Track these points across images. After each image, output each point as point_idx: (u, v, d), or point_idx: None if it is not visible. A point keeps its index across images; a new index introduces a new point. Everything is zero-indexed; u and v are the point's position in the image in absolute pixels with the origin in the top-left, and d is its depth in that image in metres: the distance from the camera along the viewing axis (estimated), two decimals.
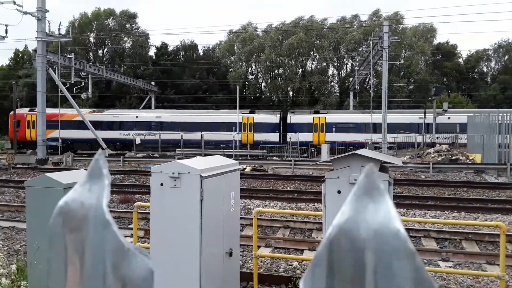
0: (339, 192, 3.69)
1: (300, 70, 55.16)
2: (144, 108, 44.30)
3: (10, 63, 56.36)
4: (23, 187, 13.34)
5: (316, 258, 0.51)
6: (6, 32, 25.36)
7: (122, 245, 0.35)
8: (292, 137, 31.65)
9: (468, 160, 22.20)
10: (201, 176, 3.85)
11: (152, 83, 44.72)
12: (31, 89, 43.22)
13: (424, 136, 30.96)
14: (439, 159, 22.59)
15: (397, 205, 10.66)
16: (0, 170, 20.39)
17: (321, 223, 8.59)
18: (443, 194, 13.77)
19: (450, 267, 6.66)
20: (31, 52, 27.32)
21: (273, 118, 33.51)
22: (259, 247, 7.22)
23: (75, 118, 31.60)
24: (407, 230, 8.43)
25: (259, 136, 32.75)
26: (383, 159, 3.90)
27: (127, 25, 55.59)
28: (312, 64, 55.81)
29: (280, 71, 54.52)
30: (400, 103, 48.24)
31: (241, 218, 8.29)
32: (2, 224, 9.31)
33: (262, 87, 57.47)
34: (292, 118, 33.64)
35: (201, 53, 59.35)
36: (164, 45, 56.42)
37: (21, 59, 54.24)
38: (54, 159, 24.81)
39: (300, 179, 17.42)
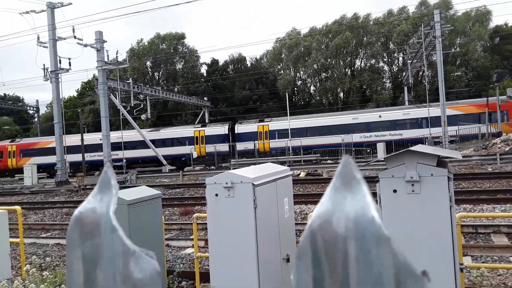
0: (394, 191, 3.61)
1: (349, 70, 54.13)
2: (199, 123, 45.79)
3: (77, 93, 60.90)
4: None
5: (300, 251, 0.53)
6: (70, 64, 27.58)
7: (128, 248, 0.42)
8: (239, 146, 33.18)
9: None
10: (253, 184, 3.97)
11: (205, 98, 46.19)
12: (96, 115, 46.41)
13: (489, 126, 28.97)
14: (507, 149, 21.06)
15: (462, 201, 10.13)
16: (72, 192, 22.03)
17: None
18: None
19: None
20: (95, 80, 29.44)
21: (222, 129, 35.06)
22: None
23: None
24: (475, 226, 7.99)
25: (211, 148, 34.04)
26: (440, 153, 3.78)
27: (178, 46, 57.98)
28: (361, 62, 54.57)
29: (329, 73, 53.87)
30: (460, 93, 45.65)
31: (297, 223, 8.31)
32: None
33: (311, 91, 57.08)
34: (239, 129, 34.88)
35: (249, 65, 60.34)
36: (214, 61, 58.18)
37: (88, 88, 58.37)
38: (119, 178, 26.39)
39: None
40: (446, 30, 30.08)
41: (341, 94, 54.71)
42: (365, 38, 51.69)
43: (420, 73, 45.93)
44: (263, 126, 34.14)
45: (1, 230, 6.07)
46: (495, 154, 19.73)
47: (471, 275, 5.62)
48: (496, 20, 53.38)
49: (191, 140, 34.80)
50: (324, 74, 54.71)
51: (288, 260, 4.46)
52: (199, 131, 35.11)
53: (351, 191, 0.54)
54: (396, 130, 30.48)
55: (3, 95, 62.19)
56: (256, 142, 33.26)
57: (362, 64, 54.38)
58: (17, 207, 6.88)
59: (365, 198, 0.53)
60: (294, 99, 54.80)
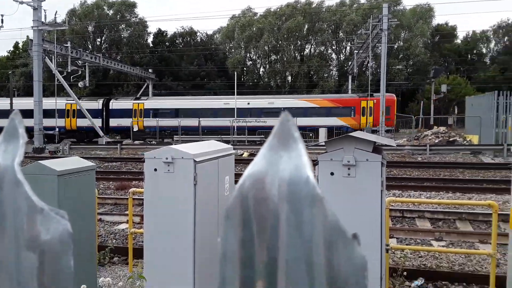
0: (332, 174, 3.72)
1: (298, 55, 54.84)
2: (142, 95, 44.19)
3: (9, 54, 55.99)
4: None
5: (228, 210, 0.50)
6: (2, 22, 25.20)
7: (35, 205, 0.36)
8: (113, 122, 33.01)
9: (465, 142, 22.29)
10: (194, 160, 3.87)
11: (150, 70, 44.48)
12: (28, 78, 43.06)
13: (422, 118, 30.97)
14: (437, 141, 22.67)
15: (392, 187, 10.77)
16: None
17: None
18: (439, 175, 13.88)
19: (443, 246, 6.78)
20: (29, 41, 27.11)
21: (96, 104, 34.27)
22: None
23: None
24: (402, 211, 8.54)
25: (83, 122, 32.85)
26: (376, 140, 3.92)
27: (125, 14, 55.02)
28: (310, 48, 55.46)
29: (279, 56, 54.22)
30: (399, 86, 48.10)
31: None
32: None
33: (261, 72, 57.23)
34: (114, 105, 34.42)
35: (199, 40, 58.91)
36: (162, 33, 55.96)
37: (21, 49, 53.82)
38: (51, 147, 24.88)
39: None
40: (392, 24, 31.31)
41: (289, 78, 55.43)
42: (316, 24, 52.46)
43: (365, 63, 47.67)
44: (138, 104, 34.02)
45: None
46: (425, 145, 21.15)
47: (395, 256, 6.01)
48: (438, 19, 56.55)
49: (62, 113, 32.99)
50: (274, 56, 54.98)
51: None
52: (71, 104, 33.45)
53: (287, 150, 0.51)
54: (261, 117, 31.74)
55: None
56: (130, 119, 33.11)
57: (312, 50, 55.31)
58: None
59: (301, 158, 0.51)
60: (243, 79, 54.61)
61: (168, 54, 53.43)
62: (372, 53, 35.90)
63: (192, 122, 30.78)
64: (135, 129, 32.56)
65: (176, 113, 32.50)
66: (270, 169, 0.50)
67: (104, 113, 34.28)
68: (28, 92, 37.85)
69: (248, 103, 32.39)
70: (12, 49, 56.49)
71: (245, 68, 55.56)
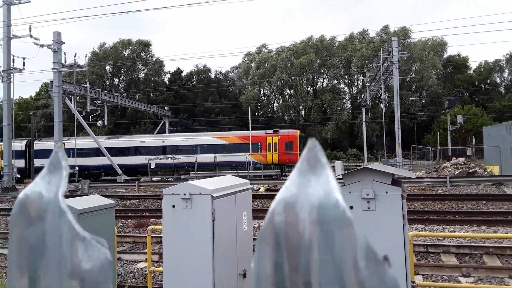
0: (351, 207, 3.65)
1: (311, 89, 55.48)
2: (158, 132, 44.97)
3: (35, 95, 58.06)
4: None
5: (262, 234, 0.51)
6: (24, 64, 26.30)
7: (78, 233, 0.37)
8: (37, 162, 32.51)
9: (486, 173, 21.76)
10: (212, 196, 3.86)
11: (166, 108, 45.44)
12: (48, 119, 44.40)
13: (440, 150, 30.55)
14: (456, 172, 22.20)
15: (414, 221, 10.48)
16: None
17: None
18: (461, 208, 13.48)
19: (471, 282, 6.48)
20: (50, 82, 28.15)
21: (19, 145, 34.84)
22: None
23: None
24: (426, 246, 8.26)
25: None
26: (395, 172, 3.87)
27: (141, 53, 57.03)
28: (323, 82, 56.14)
29: (292, 91, 54.95)
30: (414, 117, 47.87)
31: (255, 239, 8.23)
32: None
33: (274, 107, 57.85)
34: (37, 145, 34.90)
35: (213, 77, 60.35)
36: (178, 71, 57.63)
37: (45, 91, 55.90)
38: (70, 186, 25.20)
39: None
40: (403, 56, 31.65)
41: (303, 112, 55.84)
42: (328, 59, 53.34)
43: (378, 95, 47.86)
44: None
45: None
46: (445, 177, 20.71)
47: None
48: (450, 50, 56.90)
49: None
50: (287, 91, 55.74)
51: (244, 275, 4.36)
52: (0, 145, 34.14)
53: (316, 175, 0.53)
54: (177, 154, 32.58)
55: None
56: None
57: (324, 84, 55.94)
58: None
59: (329, 182, 0.52)
60: (257, 114, 55.24)
61: (183, 92, 54.70)
62: (384, 85, 36.11)
63: (107, 161, 30.84)
64: None
65: (96, 152, 32.71)
66: (300, 193, 0.52)
67: (27, 153, 35.14)
68: (49, 133, 38.90)
69: (163, 141, 33.48)
70: (38, 89, 58.66)
71: (259, 104, 56.30)
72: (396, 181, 3.92)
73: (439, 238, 8.69)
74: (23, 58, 26.20)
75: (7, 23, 25.72)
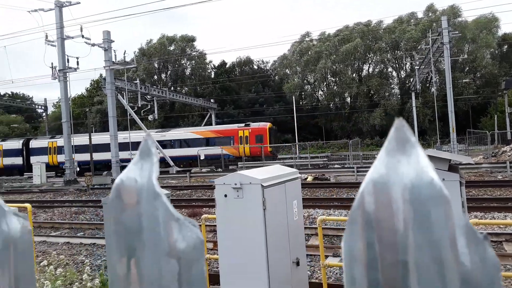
0: None
1: (356, 75, 54.06)
2: (206, 125, 46.01)
3: (86, 93, 61.31)
4: (101, 206, 14.36)
5: (352, 215, 0.52)
6: (78, 63, 27.75)
7: (172, 214, 0.40)
8: (33, 159, 35.32)
9: None
10: (262, 185, 3.90)
11: (212, 100, 46.26)
12: (103, 114, 46.70)
13: (498, 134, 28.77)
14: None
15: (473, 208, 10.00)
16: (80, 192, 22.11)
17: None
18: None
19: None
20: (102, 80, 29.58)
21: (17, 144, 38.13)
22: (326, 256, 7.12)
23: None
24: (487, 234, 7.85)
25: (7, 160, 37.87)
26: (451, 158, 3.72)
27: (186, 48, 58.26)
28: (369, 67, 54.49)
29: (337, 78, 53.85)
30: (468, 100, 45.33)
31: (306, 227, 8.24)
32: (85, 242, 9.98)
33: (319, 95, 57.05)
34: (33, 144, 37.94)
35: (256, 67, 60.49)
36: (222, 64, 58.38)
37: (96, 87, 58.81)
38: None
39: None
40: (454, 36, 29.91)
41: (349, 99, 54.63)
42: (375, 44, 51.61)
43: (428, 78, 45.74)
44: (52, 142, 37.49)
45: None
46: (505, 162, 19.50)
47: None
48: (504, 28, 53.03)
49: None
50: (332, 78, 54.69)
51: (298, 263, 4.38)
52: (1, 145, 38.60)
53: (406, 154, 0.52)
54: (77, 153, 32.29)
55: (11, 93, 62.79)
56: (47, 156, 36.81)
57: (370, 70, 54.28)
58: (27, 205, 6.87)
59: (421, 161, 0.51)
60: (301, 103, 54.80)
61: (228, 84, 55.35)
62: (434, 68, 34.40)
63: (99, 156, 32.71)
64: (50, 164, 36.28)
65: (95, 148, 33.31)
66: (391, 173, 0.51)
67: (24, 152, 38.26)
68: (104, 127, 40.96)
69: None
70: (88, 86, 61.82)
71: (303, 93, 55.75)
72: (453, 167, 3.76)
73: (501, 226, 8.24)
74: (77, 58, 27.62)
75: (60, 25, 27.13)
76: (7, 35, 46.86)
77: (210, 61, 59.36)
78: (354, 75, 53.84)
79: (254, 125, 33.93)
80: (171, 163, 31.37)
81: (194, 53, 58.50)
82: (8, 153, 38.39)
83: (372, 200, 0.50)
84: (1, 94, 57.69)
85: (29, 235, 0.48)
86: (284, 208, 4.38)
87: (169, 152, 32.89)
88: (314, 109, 53.66)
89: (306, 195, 14.58)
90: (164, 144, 33.79)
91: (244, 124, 34.28)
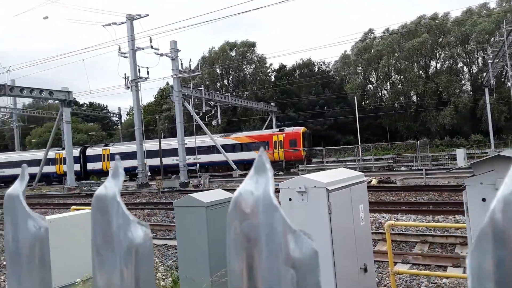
0: (483, 200, 3.38)
1: (423, 72, 51.45)
2: (266, 128, 46.55)
3: (155, 100, 64.80)
4: (171, 208, 15.09)
5: (481, 232, 0.51)
6: (148, 73, 29.46)
7: (289, 226, 0.45)
8: (89, 166, 39.55)
9: None
10: (327, 189, 3.90)
11: (272, 104, 46.68)
12: (171, 121, 49.03)
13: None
14: None
15: None
16: (151, 194, 23.41)
17: (465, 236, 7.88)
18: None
19: None
20: (170, 88, 31.12)
21: (75, 152, 39.98)
22: (395, 263, 6.93)
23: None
24: None
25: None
26: None
27: (247, 53, 59.36)
28: (437, 63, 51.61)
29: (401, 76, 51.66)
30: None
31: (372, 233, 8.07)
32: (156, 242, 10.52)
33: (382, 95, 55.11)
34: (89, 151, 41.67)
35: (316, 69, 59.97)
36: (282, 67, 58.71)
37: (164, 95, 61.95)
38: (194, 182, 27.56)
39: (434, 189, 16.13)
40: None
41: (415, 97, 52.15)
42: (442, 39, 48.83)
43: (503, 73, 42.30)
44: (105, 149, 40.89)
45: (88, 229, 6.66)
46: None
47: None
48: None
49: (53, 161, 41.51)
50: (396, 77, 52.58)
51: (365, 270, 4.32)
52: (59, 153, 41.49)
53: None
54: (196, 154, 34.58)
55: (89, 103, 68.07)
56: (100, 163, 40.28)
57: (438, 66, 51.39)
58: None
59: None
60: (363, 103, 53.31)
61: (288, 87, 55.47)
62: (510, 61, 31.77)
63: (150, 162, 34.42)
64: (103, 170, 39.86)
65: (132, 155, 35.59)
66: None
67: (82, 159, 41.87)
68: (172, 133, 43.01)
69: (186, 143, 35.25)
70: (156, 94, 65.17)
71: (365, 92, 54.22)
72: None
73: None
74: (147, 68, 29.35)
75: (131, 37, 28.99)
76: (85, 49, 51.06)
77: (270, 65, 59.88)
78: (420, 72, 51.29)
79: (288, 129, 35.21)
80: (234, 166, 32.16)
81: (255, 57, 59.41)
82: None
83: (503, 217, 0.50)
84: (81, 104, 62.68)
85: (150, 242, 0.55)
86: (350, 212, 4.35)
87: (211, 158, 35.27)
88: (377, 109, 51.93)
89: (371, 199, 14.21)
90: (203, 150, 35.83)
91: (278, 129, 35.48)
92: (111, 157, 39.67)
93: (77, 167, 40.75)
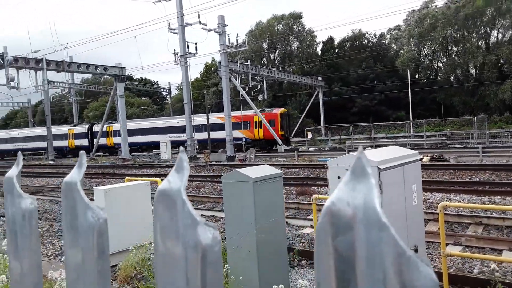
0: None
1: (483, 43, 47.92)
2: (313, 103, 45.98)
3: (201, 76, 65.75)
4: (218, 181, 15.48)
5: None
6: (196, 49, 29.76)
7: (404, 251, 0.36)
8: (96, 141, 41.99)
9: None
10: (378, 168, 3.82)
11: (319, 78, 45.74)
12: (218, 96, 49.65)
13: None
14: None
15: None
16: (200, 167, 24.12)
17: None
18: None
19: None
20: (217, 63, 31.38)
21: (84, 128, 47.09)
22: (446, 244, 6.73)
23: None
24: None
25: (77, 142, 46.87)
26: None
27: (294, 27, 58.13)
28: (498, 33, 47.78)
29: (459, 47, 48.47)
30: None
31: (426, 213, 7.85)
32: (205, 213, 10.91)
33: (437, 68, 52.16)
34: (95, 128, 45.06)
35: (367, 42, 57.65)
36: (330, 40, 56.97)
37: (210, 70, 62.61)
38: (240, 156, 28.00)
39: (491, 168, 15.31)
40: None
41: (473, 71, 48.92)
42: (505, 6, 44.93)
43: None
44: (109, 127, 44.20)
45: (145, 198, 7.01)
46: None
47: None
48: None
49: (66, 136, 47.91)
50: (453, 48, 49.43)
51: (416, 251, 4.27)
52: (72, 128, 48.04)
53: None
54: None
55: (141, 78, 70.26)
56: (105, 138, 44.09)
57: (500, 36, 47.59)
58: (158, 179, 7.86)
59: None
60: (417, 77, 50.88)
61: (336, 60, 53.94)
62: None
63: (150, 138, 41.03)
64: (108, 145, 44.62)
65: (133, 132, 40.75)
66: None
67: (90, 135, 46.49)
68: (219, 108, 43.66)
69: (177, 122, 39.59)
70: (201, 71, 66.03)
71: (418, 65, 51.56)
72: None
73: None
74: (195, 43, 29.62)
75: (180, 14, 29.26)
76: (136, 26, 52.46)
77: (315, 37, 58.26)
78: (480, 42, 47.82)
79: (267, 110, 37.03)
80: (280, 141, 32.30)
81: (302, 30, 58.08)
82: (78, 136, 47.45)
83: None
84: (133, 79, 64.89)
85: (219, 246, 0.48)
86: (402, 192, 4.26)
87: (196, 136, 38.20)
88: (431, 83, 49.39)
89: (422, 177, 13.72)
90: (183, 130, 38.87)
91: (259, 110, 36.62)
92: (114, 133, 44.39)
93: (86, 141, 45.91)
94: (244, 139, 36.23)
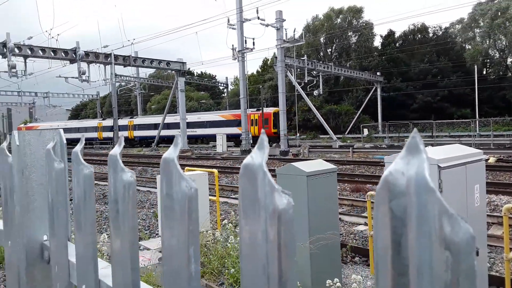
0: None
1: None
2: (370, 99, 44.72)
3: (259, 70, 66.33)
4: (273, 175, 15.59)
5: None
6: (254, 44, 30.09)
7: (447, 209, 0.42)
8: (140, 134, 47.39)
9: None
10: (439, 166, 3.75)
11: (378, 73, 44.31)
12: (273, 90, 49.84)
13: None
14: None
15: None
16: None
17: None
18: None
19: None
20: (274, 58, 31.56)
21: (110, 122, 46.81)
22: (511, 249, 6.37)
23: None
24: None
25: (105, 134, 51.84)
26: None
27: (353, 20, 56.71)
28: None
29: None
30: None
31: (489, 216, 7.47)
32: None
33: (509, 62, 48.41)
34: (136, 121, 50.27)
35: (431, 35, 54.77)
36: (390, 33, 54.88)
37: (267, 65, 62.98)
38: (293, 150, 28.02)
39: None
40: None
41: None
42: None
43: None
44: (130, 121, 50.26)
45: (202, 188, 7.30)
46: None
47: None
48: None
49: (96, 129, 53.75)
50: None
51: (477, 253, 4.07)
52: (101, 122, 53.40)
53: None
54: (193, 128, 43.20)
55: (200, 73, 72.26)
56: (126, 132, 48.93)
57: None
58: (215, 170, 8.14)
59: None
60: (485, 73, 47.63)
61: (396, 55, 51.88)
62: None
63: (168, 132, 43.27)
64: (129, 138, 49.20)
65: (153, 126, 45.13)
66: None
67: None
68: (274, 103, 43.85)
69: (187, 118, 41.84)
70: (260, 65, 66.54)
71: (487, 60, 48.19)
72: None
73: None
74: (253, 38, 29.96)
75: (239, 10, 29.72)
76: (198, 23, 53.88)
77: (375, 33, 56.32)
78: None
79: (265, 110, 39.37)
80: (334, 137, 31.87)
81: (362, 23, 56.45)
82: (105, 129, 52.12)
83: None
84: (193, 73, 66.95)
85: (292, 210, 0.57)
86: (464, 192, 4.13)
87: (204, 131, 42.93)
88: (501, 79, 46.01)
89: (487, 178, 12.94)
90: (199, 125, 43.71)
91: (256, 109, 40.05)
92: (134, 127, 49.84)
93: (111, 134, 48.90)
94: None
